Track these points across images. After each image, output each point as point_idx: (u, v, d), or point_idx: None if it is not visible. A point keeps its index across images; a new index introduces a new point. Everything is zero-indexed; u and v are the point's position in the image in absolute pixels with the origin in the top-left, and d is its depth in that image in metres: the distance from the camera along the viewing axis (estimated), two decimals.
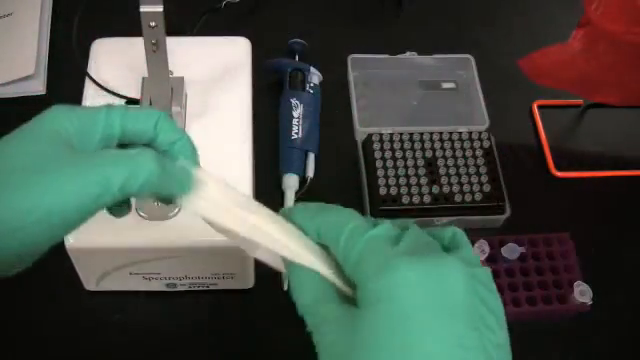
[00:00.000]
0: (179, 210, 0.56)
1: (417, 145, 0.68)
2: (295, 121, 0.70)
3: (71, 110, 0.39)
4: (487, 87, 0.75)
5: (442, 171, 0.67)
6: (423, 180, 0.66)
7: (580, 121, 0.78)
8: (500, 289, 0.62)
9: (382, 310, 0.33)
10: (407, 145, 0.68)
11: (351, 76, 0.76)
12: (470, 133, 0.69)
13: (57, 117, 0.39)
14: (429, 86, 0.77)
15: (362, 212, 0.68)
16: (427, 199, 0.66)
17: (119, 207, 0.42)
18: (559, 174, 0.73)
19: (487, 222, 0.68)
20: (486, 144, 0.69)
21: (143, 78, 0.59)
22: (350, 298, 0.38)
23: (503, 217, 0.67)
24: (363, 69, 0.77)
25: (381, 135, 0.69)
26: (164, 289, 0.61)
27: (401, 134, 0.69)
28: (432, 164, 0.68)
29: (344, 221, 0.37)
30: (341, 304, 0.37)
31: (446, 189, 0.66)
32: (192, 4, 0.78)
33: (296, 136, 0.69)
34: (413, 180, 0.66)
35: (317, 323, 0.37)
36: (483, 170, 0.67)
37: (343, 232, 0.37)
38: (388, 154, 0.67)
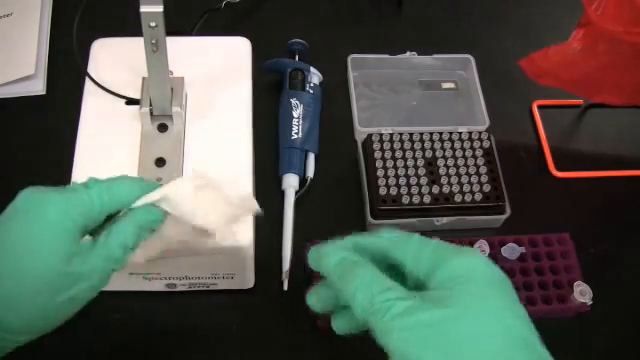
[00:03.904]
0: None
1: (417, 145, 0.68)
2: (295, 121, 0.70)
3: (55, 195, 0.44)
4: (487, 87, 0.75)
5: (442, 171, 0.67)
6: (423, 180, 0.66)
7: (580, 121, 0.78)
8: None
9: (469, 284, 0.39)
10: (407, 145, 0.68)
11: (351, 76, 0.76)
12: (470, 133, 0.69)
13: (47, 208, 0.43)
14: (429, 86, 0.77)
15: (362, 212, 0.68)
16: (427, 199, 0.66)
17: None
18: (559, 174, 0.73)
19: (487, 222, 0.68)
20: (486, 144, 0.69)
21: (143, 78, 0.59)
22: None
23: (503, 217, 0.67)
24: (363, 69, 0.77)
25: (381, 135, 0.69)
26: (164, 289, 0.61)
27: (401, 134, 0.69)
28: (432, 164, 0.68)
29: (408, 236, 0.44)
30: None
31: (446, 189, 0.66)
32: (192, 4, 0.78)
33: (296, 136, 0.69)
34: (413, 180, 0.66)
35: (404, 335, 0.38)
36: (483, 170, 0.67)
37: (412, 240, 0.43)
38: (388, 154, 0.67)
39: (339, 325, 0.46)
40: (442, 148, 0.68)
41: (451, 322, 0.37)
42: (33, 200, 0.43)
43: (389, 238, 0.44)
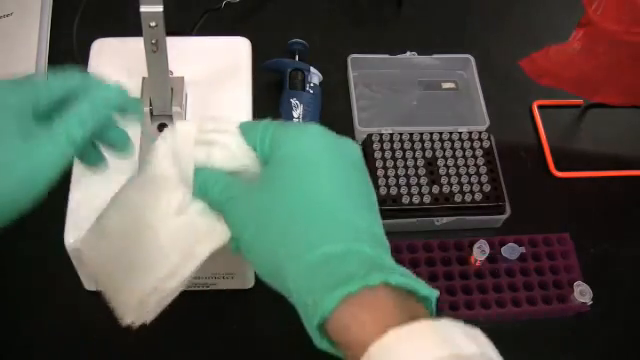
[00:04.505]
0: None
1: (417, 145, 0.68)
2: (295, 121, 0.70)
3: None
4: (487, 87, 0.75)
5: (442, 171, 0.67)
6: (423, 180, 0.66)
7: (580, 121, 0.78)
8: (500, 289, 0.63)
9: (300, 156, 0.40)
10: (407, 145, 0.68)
11: (351, 76, 0.76)
12: (470, 133, 0.69)
13: None
14: (429, 86, 0.77)
15: None
16: (427, 199, 0.66)
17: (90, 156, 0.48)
18: (559, 174, 0.73)
19: (487, 222, 0.68)
20: (486, 144, 0.69)
21: (143, 78, 0.59)
22: None
23: (503, 217, 0.67)
24: (363, 69, 0.77)
25: (381, 135, 0.69)
26: None
27: (401, 134, 0.69)
28: (432, 164, 0.68)
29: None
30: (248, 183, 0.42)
31: (446, 189, 0.66)
32: (192, 4, 0.78)
33: None
34: (413, 180, 0.66)
35: (229, 206, 0.41)
36: (483, 170, 0.67)
37: (259, 125, 0.45)
38: (388, 154, 0.67)
39: None
40: (442, 148, 0.68)
41: (255, 209, 0.40)
42: None
43: (243, 125, 0.45)
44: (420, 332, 0.33)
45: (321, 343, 0.37)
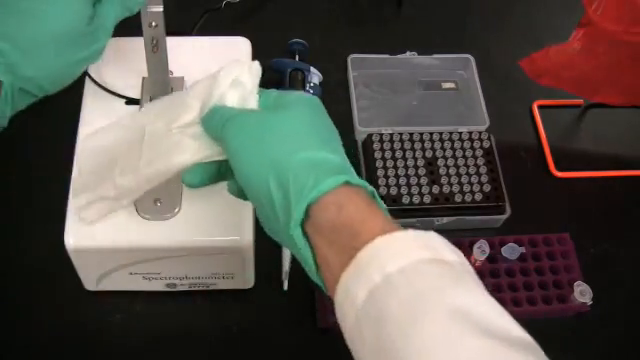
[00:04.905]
0: (179, 210, 0.56)
1: (417, 145, 0.68)
2: None
3: None
4: (487, 87, 0.75)
5: (442, 171, 0.67)
6: (423, 180, 0.66)
7: (580, 121, 0.78)
8: (500, 289, 0.63)
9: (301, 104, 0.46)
10: (407, 145, 0.68)
11: (351, 76, 0.76)
12: (470, 133, 0.69)
13: None
14: (429, 86, 0.77)
15: None
16: (427, 199, 0.66)
17: None
18: (559, 174, 0.73)
19: (487, 222, 0.68)
20: (486, 144, 0.69)
21: (143, 78, 0.59)
22: None
23: (503, 217, 0.67)
24: (363, 69, 0.77)
25: (381, 135, 0.69)
26: (164, 289, 0.61)
27: (401, 134, 0.69)
28: (432, 164, 0.68)
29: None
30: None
31: (446, 189, 0.66)
32: (192, 4, 0.78)
33: None
34: (413, 180, 0.66)
35: (229, 122, 0.44)
36: (483, 170, 0.67)
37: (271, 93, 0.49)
38: (388, 154, 0.68)
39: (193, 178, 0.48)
40: (442, 148, 0.68)
41: (264, 119, 0.44)
42: None
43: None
44: (413, 237, 0.38)
45: (295, 228, 0.40)
